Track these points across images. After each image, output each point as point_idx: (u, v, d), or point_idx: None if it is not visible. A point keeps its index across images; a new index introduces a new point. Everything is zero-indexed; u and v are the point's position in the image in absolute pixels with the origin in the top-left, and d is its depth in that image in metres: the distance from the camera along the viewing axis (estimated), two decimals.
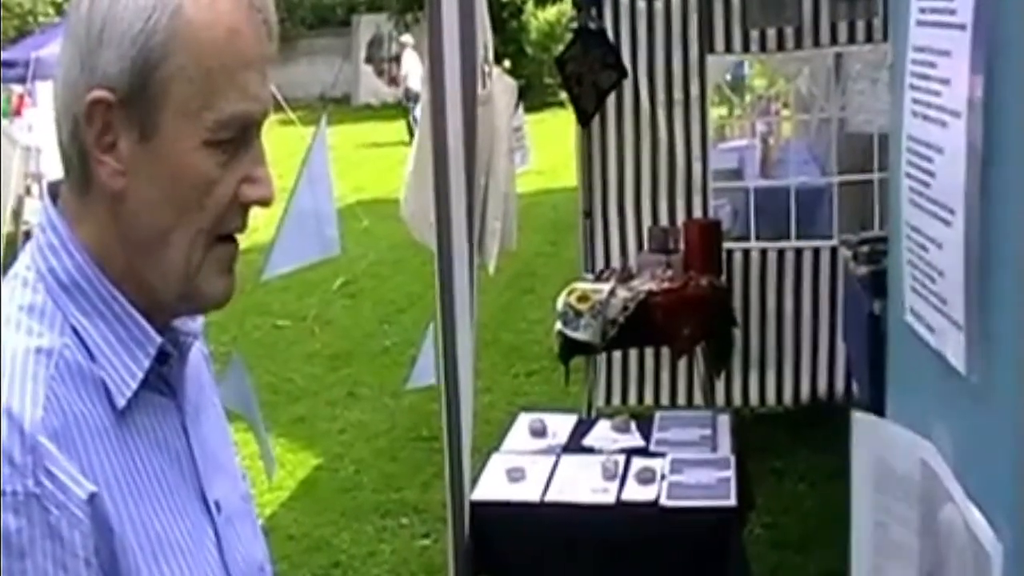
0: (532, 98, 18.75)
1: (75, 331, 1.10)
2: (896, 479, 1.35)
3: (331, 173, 3.35)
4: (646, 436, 3.94)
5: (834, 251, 5.80)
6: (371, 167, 15.85)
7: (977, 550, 1.11)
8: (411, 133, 16.75)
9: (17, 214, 10.61)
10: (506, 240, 3.86)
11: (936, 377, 1.23)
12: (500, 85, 3.68)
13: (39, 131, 10.60)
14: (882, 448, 1.36)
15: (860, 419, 1.42)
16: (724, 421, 4.05)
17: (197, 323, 1.24)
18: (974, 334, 1.12)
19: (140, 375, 1.11)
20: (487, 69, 3.63)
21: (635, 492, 3.51)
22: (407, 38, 20.01)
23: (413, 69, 18.50)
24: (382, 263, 10.42)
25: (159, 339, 1.13)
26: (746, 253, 6.00)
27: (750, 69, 7.27)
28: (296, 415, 6.94)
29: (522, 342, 8.01)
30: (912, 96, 1.27)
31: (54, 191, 1.16)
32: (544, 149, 13.62)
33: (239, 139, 1.12)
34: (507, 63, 21.70)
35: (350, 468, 6.11)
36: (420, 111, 4.39)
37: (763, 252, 6.00)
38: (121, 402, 1.09)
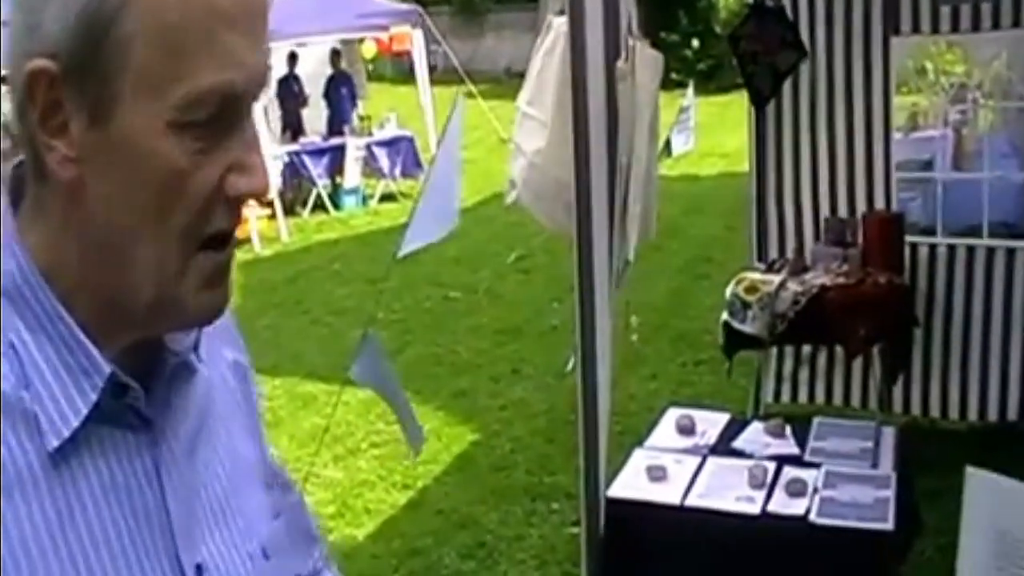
0: (721, 79, 18.29)
1: (13, 348, 0.90)
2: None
3: (459, 149, 3.20)
4: (801, 443, 3.70)
5: None
6: None
7: None
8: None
9: None
10: (646, 229, 3.62)
11: None
12: (643, 58, 3.42)
13: None
14: (1005, 514, 1.17)
15: (975, 475, 1.22)
16: (888, 433, 3.76)
17: (191, 337, 1.01)
18: None
19: (84, 410, 0.90)
20: (630, 42, 3.41)
21: (783, 504, 3.30)
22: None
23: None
24: (558, 239, 10.30)
25: (108, 368, 0.91)
26: (932, 248, 5.59)
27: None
28: (458, 388, 6.94)
29: (692, 329, 7.78)
30: None
31: (18, 178, 0.96)
32: (730, 131, 13.28)
33: (221, 118, 0.89)
34: (696, 43, 21.28)
35: (506, 446, 6.05)
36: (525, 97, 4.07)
37: (951, 248, 5.57)
38: (54, 443, 0.88)
